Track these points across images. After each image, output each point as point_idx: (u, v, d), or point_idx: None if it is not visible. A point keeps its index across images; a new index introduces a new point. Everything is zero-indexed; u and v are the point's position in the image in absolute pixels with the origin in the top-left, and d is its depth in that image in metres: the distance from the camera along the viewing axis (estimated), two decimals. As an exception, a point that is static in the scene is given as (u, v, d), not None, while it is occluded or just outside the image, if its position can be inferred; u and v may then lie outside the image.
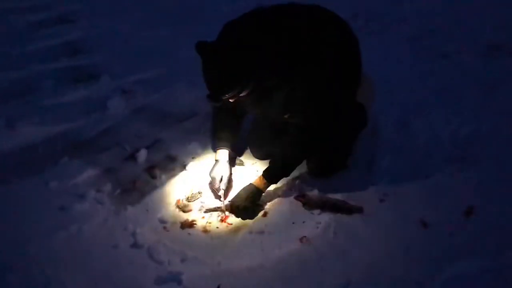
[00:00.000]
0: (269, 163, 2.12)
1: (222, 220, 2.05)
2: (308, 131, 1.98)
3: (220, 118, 2.23)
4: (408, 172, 2.22)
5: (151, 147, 2.51)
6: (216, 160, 2.18)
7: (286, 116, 2.04)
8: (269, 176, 2.07)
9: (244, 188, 2.08)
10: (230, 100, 1.79)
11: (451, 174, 2.21)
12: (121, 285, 1.77)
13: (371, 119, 2.26)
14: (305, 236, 1.93)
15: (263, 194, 2.09)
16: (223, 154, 2.20)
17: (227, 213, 2.06)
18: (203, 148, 2.48)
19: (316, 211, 2.05)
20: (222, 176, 2.12)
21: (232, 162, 2.27)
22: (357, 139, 2.29)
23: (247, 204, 2.03)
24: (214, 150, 2.26)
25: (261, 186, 2.06)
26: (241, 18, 1.89)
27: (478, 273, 1.75)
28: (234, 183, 2.21)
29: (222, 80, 1.72)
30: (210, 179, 2.16)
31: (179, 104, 2.86)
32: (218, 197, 2.12)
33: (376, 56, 2.88)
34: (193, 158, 2.42)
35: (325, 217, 2.01)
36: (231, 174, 2.19)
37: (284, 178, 2.16)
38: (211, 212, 2.08)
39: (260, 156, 2.37)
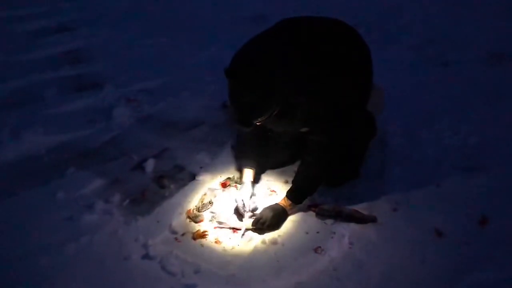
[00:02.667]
0: (292, 183, 2.08)
1: (234, 230, 2.03)
2: (330, 148, 1.96)
3: (246, 137, 2.19)
4: (419, 181, 2.22)
5: (158, 156, 2.48)
6: (242, 182, 2.17)
7: (302, 130, 2.04)
8: (295, 197, 2.04)
9: (271, 208, 2.03)
10: (258, 123, 1.78)
11: (462, 182, 2.21)
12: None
13: (380, 128, 2.25)
14: (319, 246, 1.91)
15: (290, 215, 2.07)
16: (248, 174, 2.19)
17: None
18: (212, 157, 2.45)
19: (329, 221, 2.03)
20: (243, 201, 2.08)
21: (256, 180, 2.26)
22: (367, 148, 2.28)
23: (273, 225, 2.00)
24: (240, 169, 2.25)
25: (287, 207, 2.04)
26: (259, 38, 1.86)
27: (495, 283, 1.74)
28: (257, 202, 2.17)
29: (256, 106, 1.69)
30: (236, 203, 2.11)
31: (185, 113, 2.83)
32: (240, 219, 2.08)
33: (378, 66, 2.88)
34: (201, 167, 2.39)
35: (339, 227, 2.00)
36: (253, 194, 2.17)
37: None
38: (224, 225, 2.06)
39: (270, 166, 2.35)
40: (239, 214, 2.08)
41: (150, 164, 2.40)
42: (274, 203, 2.06)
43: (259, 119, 1.73)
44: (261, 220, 1.99)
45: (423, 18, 3.93)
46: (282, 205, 2.03)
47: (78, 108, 2.90)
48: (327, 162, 2.00)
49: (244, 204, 2.06)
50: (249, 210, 2.06)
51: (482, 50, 3.39)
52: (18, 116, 2.78)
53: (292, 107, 1.85)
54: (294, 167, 2.27)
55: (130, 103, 2.91)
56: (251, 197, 2.14)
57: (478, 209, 2.04)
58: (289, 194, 2.04)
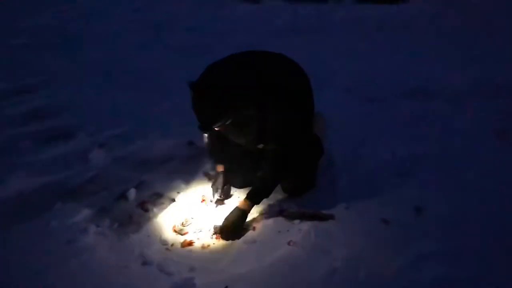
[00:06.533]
0: (252, 186, 2.47)
1: (217, 238, 2.35)
2: (282, 154, 2.37)
3: (213, 143, 2.63)
4: (365, 186, 2.69)
5: (138, 187, 2.76)
6: (217, 173, 2.64)
7: (260, 146, 2.46)
8: (253, 198, 2.42)
9: (230, 213, 2.40)
10: (216, 128, 2.19)
11: (397, 185, 2.70)
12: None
13: (328, 149, 2.73)
14: (291, 240, 2.28)
15: (248, 214, 2.43)
16: (220, 168, 2.65)
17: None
18: (187, 183, 2.78)
19: (296, 221, 2.41)
20: (217, 187, 2.58)
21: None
22: (318, 165, 2.72)
23: (235, 227, 2.37)
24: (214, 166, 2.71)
25: (245, 207, 2.41)
26: (221, 62, 2.30)
27: (432, 253, 2.18)
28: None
29: (212, 112, 2.11)
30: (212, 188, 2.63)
31: (156, 151, 3.15)
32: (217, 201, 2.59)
33: (320, 104, 3.41)
34: (178, 192, 2.72)
35: (305, 225, 2.38)
36: (226, 182, 2.64)
37: (265, 200, 2.50)
38: (207, 231, 2.39)
39: (238, 185, 2.73)
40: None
41: (132, 193, 2.68)
42: (235, 207, 2.43)
43: (216, 125, 2.13)
44: (224, 227, 2.36)
45: (349, 64, 4.63)
46: (242, 206, 2.40)
47: (54, 155, 3.14)
48: (280, 167, 2.40)
49: (217, 189, 2.59)
50: (220, 196, 2.59)
51: (404, 88, 4.09)
52: (-1, 164, 2.99)
53: (246, 118, 2.25)
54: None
55: (104, 147, 3.20)
56: (224, 185, 2.60)
57: (413, 202, 2.52)
58: (249, 195, 2.42)
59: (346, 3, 7.19)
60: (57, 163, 3.04)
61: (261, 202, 2.47)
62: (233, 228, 2.36)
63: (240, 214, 2.39)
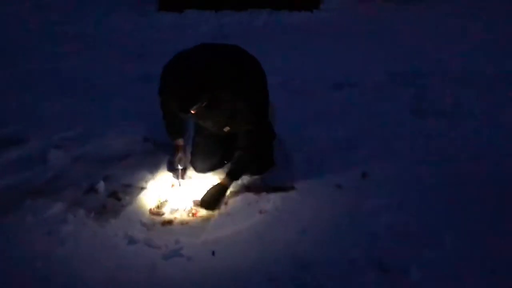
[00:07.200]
0: (231, 164, 2.74)
1: (193, 215, 2.56)
2: (255, 133, 2.64)
3: (170, 120, 2.81)
4: (315, 161, 3.04)
5: (105, 180, 2.86)
6: (176, 147, 2.85)
7: (225, 130, 2.71)
8: (232, 174, 2.69)
9: (212, 187, 2.65)
10: (192, 111, 2.39)
11: (343, 157, 3.09)
12: (136, 269, 2.16)
13: (280, 133, 3.06)
14: (262, 209, 2.55)
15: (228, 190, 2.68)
16: (180, 141, 2.87)
17: (196, 207, 2.60)
18: (152, 174, 2.94)
19: (263, 194, 2.69)
20: (180, 159, 2.81)
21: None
22: (273, 147, 3.02)
23: (215, 199, 2.60)
24: (172, 141, 2.89)
25: (226, 183, 2.66)
26: (190, 50, 2.54)
27: (382, 207, 2.57)
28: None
29: (190, 95, 2.30)
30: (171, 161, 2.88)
31: (114, 149, 3.24)
32: (176, 176, 2.84)
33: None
34: (146, 182, 2.87)
35: (272, 196, 2.67)
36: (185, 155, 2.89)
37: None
38: (182, 210, 2.58)
39: (202, 170, 2.94)
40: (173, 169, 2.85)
41: (101, 186, 2.78)
42: (216, 183, 2.69)
43: (193, 107, 2.32)
44: (205, 198, 2.60)
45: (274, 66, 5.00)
46: (223, 181, 2.67)
47: (10, 158, 3.11)
48: (255, 145, 2.68)
49: (180, 159, 2.82)
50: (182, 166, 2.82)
51: (329, 81, 4.53)
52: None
53: (219, 101, 2.47)
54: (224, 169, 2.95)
55: (59, 149, 3.22)
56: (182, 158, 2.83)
57: (358, 170, 2.91)
58: (229, 173, 2.68)
59: (265, 12, 7.61)
60: (15, 165, 3.03)
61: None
62: (213, 199, 2.59)
63: (220, 188, 2.64)
